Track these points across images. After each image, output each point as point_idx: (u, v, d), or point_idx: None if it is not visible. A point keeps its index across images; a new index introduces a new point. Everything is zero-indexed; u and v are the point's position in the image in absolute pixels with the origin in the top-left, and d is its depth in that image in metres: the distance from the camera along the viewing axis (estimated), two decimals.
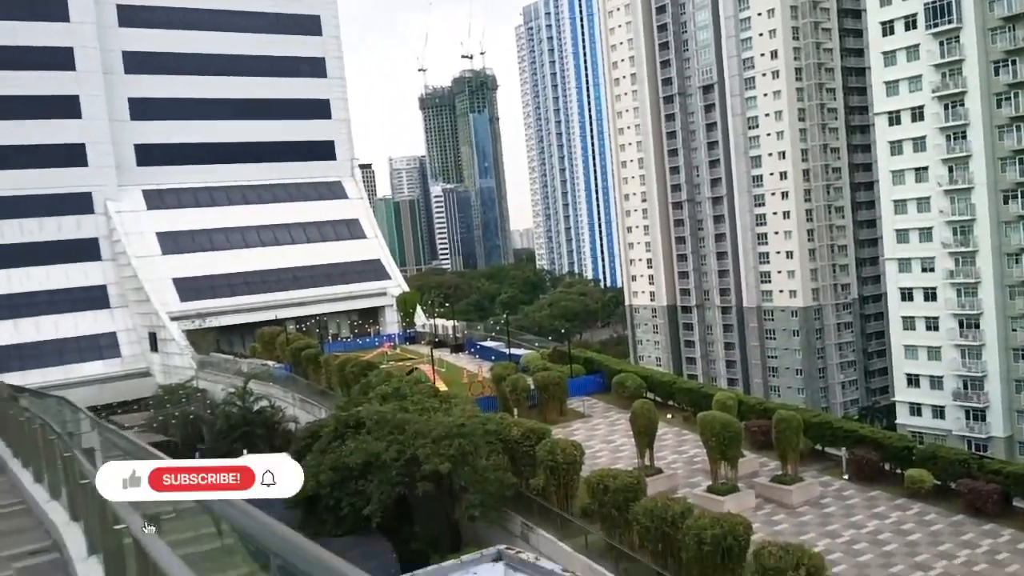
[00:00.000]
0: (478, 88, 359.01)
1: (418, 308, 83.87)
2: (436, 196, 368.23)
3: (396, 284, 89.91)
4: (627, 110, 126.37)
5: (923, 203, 78.39)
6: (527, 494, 32.28)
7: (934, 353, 77.73)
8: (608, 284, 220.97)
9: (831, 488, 34.72)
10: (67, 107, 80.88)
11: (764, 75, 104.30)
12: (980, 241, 73.75)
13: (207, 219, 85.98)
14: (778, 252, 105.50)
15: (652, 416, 35.23)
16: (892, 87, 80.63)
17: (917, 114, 78.32)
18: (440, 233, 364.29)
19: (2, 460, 17.72)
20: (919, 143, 78.24)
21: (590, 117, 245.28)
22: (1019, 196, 71.54)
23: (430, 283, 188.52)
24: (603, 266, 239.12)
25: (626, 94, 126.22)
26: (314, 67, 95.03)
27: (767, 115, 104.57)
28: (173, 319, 76.54)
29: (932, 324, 77.87)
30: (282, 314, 78.64)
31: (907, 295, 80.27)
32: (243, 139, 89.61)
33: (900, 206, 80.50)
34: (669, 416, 43.77)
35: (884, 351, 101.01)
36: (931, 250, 77.57)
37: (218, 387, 62.91)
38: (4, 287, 77.11)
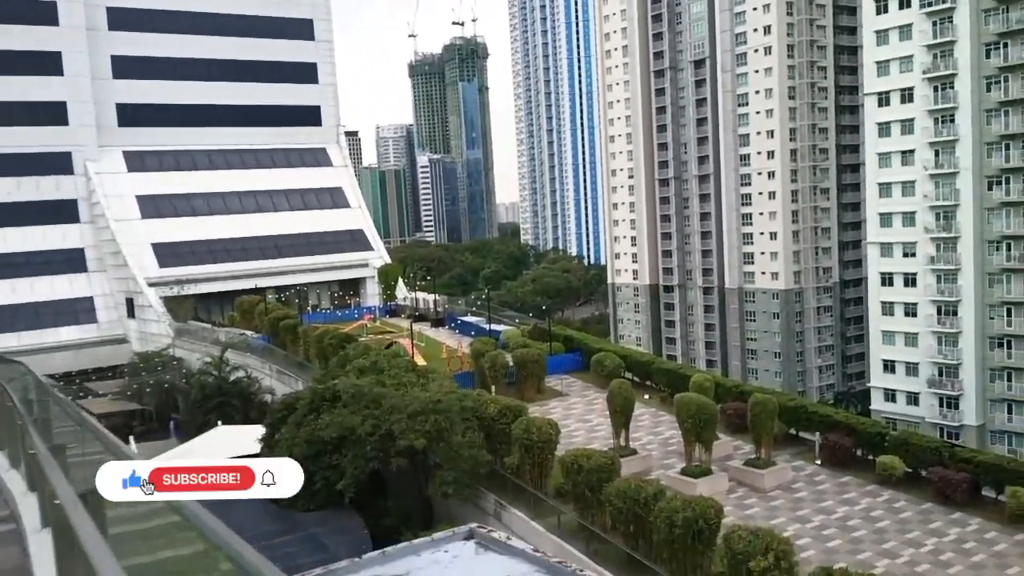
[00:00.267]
0: (468, 56, 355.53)
1: (400, 281, 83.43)
2: (422, 166, 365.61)
3: (378, 256, 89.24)
4: (617, 83, 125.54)
5: (908, 187, 78.45)
6: (501, 472, 32.25)
7: (911, 339, 78.26)
8: (592, 261, 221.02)
9: (803, 473, 34.95)
10: (49, 63, 79.00)
11: (756, 51, 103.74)
12: (962, 227, 73.96)
13: (188, 183, 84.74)
14: (762, 233, 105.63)
15: (629, 396, 35.21)
16: (883, 67, 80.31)
17: (907, 95, 78.09)
18: (425, 204, 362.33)
19: None
20: (907, 125, 78.11)
21: (580, 90, 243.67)
22: (1003, 182, 71.64)
23: (413, 255, 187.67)
24: (587, 243, 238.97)
25: (617, 67, 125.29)
26: (301, 29, 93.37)
27: (757, 92, 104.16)
28: (151, 285, 75.62)
29: (911, 310, 78.33)
30: (262, 283, 77.91)
31: (887, 280, 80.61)
32: (227, 101, 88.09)
33: (885, 189, 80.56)
34: (646, 397, 43.85)
35: (862, 336, 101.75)
36: (913, 235, 77.77)
37: (194, 356, 62.36)
38: None
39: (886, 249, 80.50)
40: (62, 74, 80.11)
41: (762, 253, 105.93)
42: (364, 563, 17.32)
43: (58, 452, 9.26)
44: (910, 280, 78.40)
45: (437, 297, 76.38)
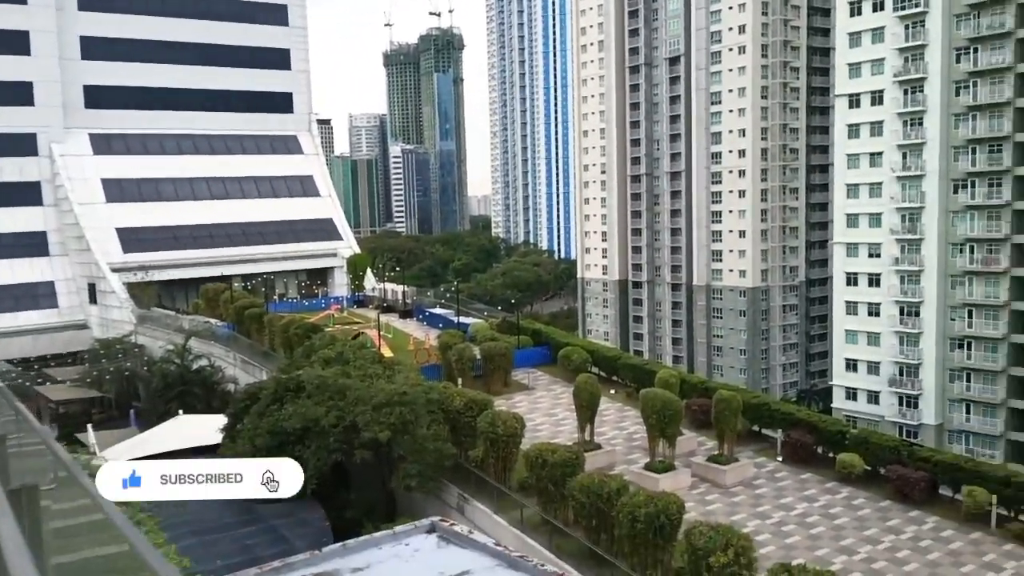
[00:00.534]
0: (444, 47, 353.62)
1: (369, 271, 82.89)
2: (395, 157, 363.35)
3: (348, 245, 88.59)
4: (592, 78, 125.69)
5: (875, 188, 79.45)
6: (466, 465, 32.18)
7: (874, 339, 79.37)
8: (562, 256, 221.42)
9: (765, 469, 35.29)
10: (15, 43, 77.30)
11: (731, 50, 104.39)
12: (927, 229, 75.10)
13: (155, 167, 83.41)
14: (731, 231, 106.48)
15: (595, 391, 35.29)
16: (855, 69, 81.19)
17: (877, 98, 79.05)
18: (397, 195, 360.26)
19: None
20: (876, 127, 79.08)
21: (555, 85, 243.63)
22: (969, 186, 72.79)
23: (383, 246, 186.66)
24: (558, 237, 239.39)
25: (592, 62, 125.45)
26: (275, 14, 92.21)
27: (730, 91, 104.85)
28: (114, 270, 74.35)
29: (874, 310, 79.42)
30: (228, 271, 76.99)
31: (852, 280, 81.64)
32: (197, 86, 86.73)
33: (852, 190, 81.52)
34: (612, 392, 44.00)
35: (825, 335, 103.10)
36: (879, 236, 78.80)
37: (157, 343, 61.45)
38: None
39: (852, 249, 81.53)
40: (29, 54, 78.52)
41: (730, 251, 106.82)
42: (324, 556, 17.08)
43: None
44: (874, 280, 79.49)
45: (406, 288, 76.05)
